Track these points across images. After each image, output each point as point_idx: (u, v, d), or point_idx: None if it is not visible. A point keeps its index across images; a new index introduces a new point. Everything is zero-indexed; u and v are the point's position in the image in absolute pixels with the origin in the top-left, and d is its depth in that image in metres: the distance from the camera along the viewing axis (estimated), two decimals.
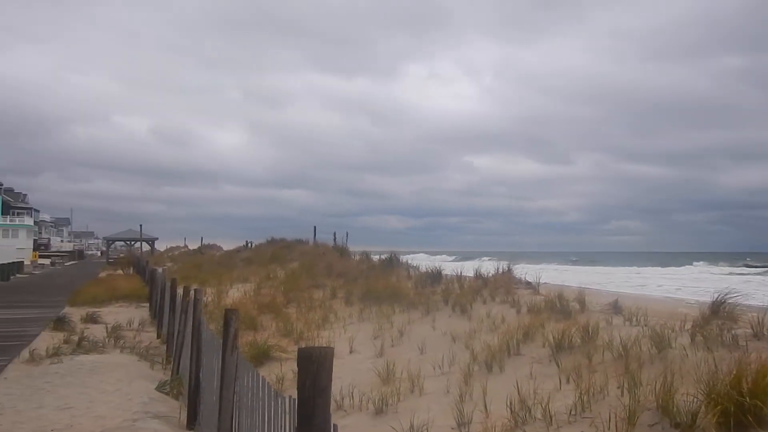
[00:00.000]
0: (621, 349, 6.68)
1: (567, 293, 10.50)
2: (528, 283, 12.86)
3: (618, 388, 5.66)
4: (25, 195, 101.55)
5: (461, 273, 14.46)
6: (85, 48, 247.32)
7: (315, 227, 31.33)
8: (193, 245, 61.26)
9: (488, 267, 14.50)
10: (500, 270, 13.75)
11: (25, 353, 11.50)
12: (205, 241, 60.67)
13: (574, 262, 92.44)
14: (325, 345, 6.18)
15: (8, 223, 76.61)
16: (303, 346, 10.17)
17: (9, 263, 41.52)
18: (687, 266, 76.33)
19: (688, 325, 7.25)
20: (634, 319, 8.43)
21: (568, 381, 6.46)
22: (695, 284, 41.62)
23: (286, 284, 18.13)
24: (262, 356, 9.83)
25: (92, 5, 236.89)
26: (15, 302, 22.92)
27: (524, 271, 13.99)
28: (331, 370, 2.63)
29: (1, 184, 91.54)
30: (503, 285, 12.36)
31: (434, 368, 8.07)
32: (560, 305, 9.60)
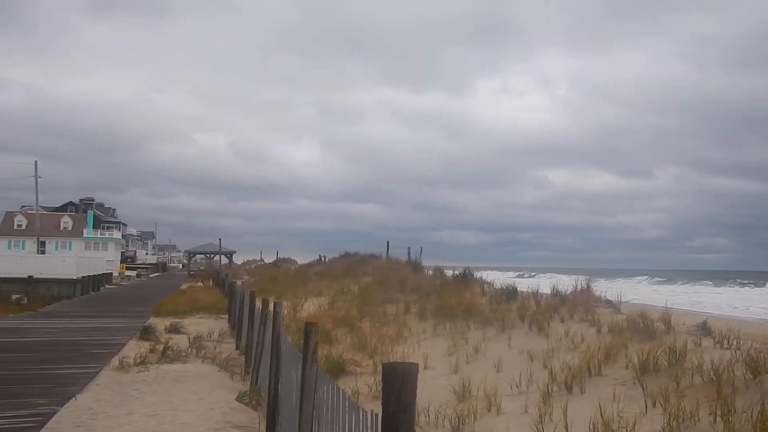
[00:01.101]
0: (712, 373, 6.34)
1: (650, 313, 10.08)
2: (608, 302, 12.43)
3: (710, 414, 5.38)
4: (114, 210, 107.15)
5: (537, 289, 14.16)
6: (167, 69, 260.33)
7: (388, 242, 31.59)
8: (269, 259, 62.98)
9: (565, 284, 14.13)
10: (578, 287, 13.36)
11: (115, 361, 12.08)
12: (281, 255, 62.23)
13: (656, 281, 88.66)
14: (400, 360, 6.20)
15: (99, 236, 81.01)
16: (377, 360, 10.22)
17: (100, 275, 43.85)
18: None
19: None
20: (725, 341, 7.99)
21: (654, 405, 6.19)
22: None
23: (360, 298, 18.27)
24: (338, 370, 9.91)
25: (172, 28, 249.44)
26: (105, 312, 24.17)
27: (603, 288, 13.55)
28: (416, 386, 2.62)
29: (93, 200, 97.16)
30: (582, 303, 11.99)
31: (511, 387, 7.91)
32: (643, 325, 9.22)
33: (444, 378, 9.01)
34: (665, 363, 7.15)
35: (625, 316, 10.34)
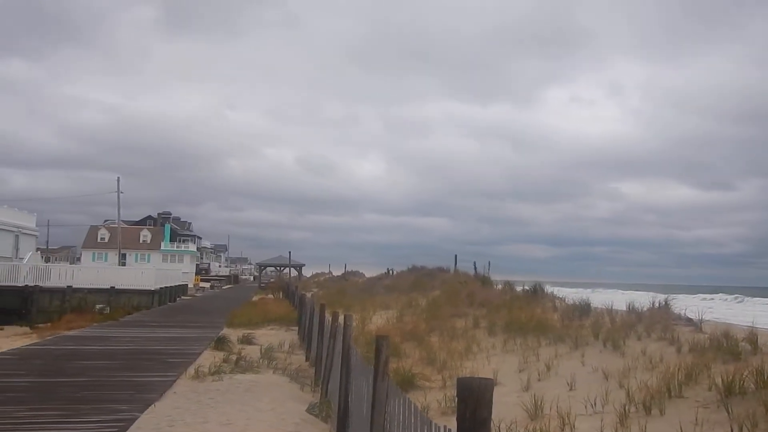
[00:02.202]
0: None
1: (734, 332, 9.57)
2: (688, 320, 11.89)
3: None
4: (189, 223, 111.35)
5: (611, 306, 13.70)
6: (238, 86, 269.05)
7: (456, 255, 31.38)
8: (337, 271, 63.72)
9: (641, 300, 13.61)
10: (655, 304, 12.85)
11: (191, 370, 12.48)
12: (348, 268, 62.86)
13: (738, 298, 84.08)
14: (469, 375, 6.11)
15: (175, 249, 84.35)
16: (446, 375, 10.14)
17: (176, 286, 45.49)
18: None
19: None
20: None
21: (741, 430, 5.86)
22: None
23: (428, 312, 18.20)
24: (406, 384, 9.89)
25: (241, 46, 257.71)
26: (181, 322, 25.03)
27: (682, 305, 12.98)
28: (491, 402, 2.58)
29: (170, 214, 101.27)
30: (659, 320, 11.51)
31: (586, 406, 7.67)
32: (727, 345, 8.76)
33: (515, 395, 8.84)
34: (752, 386, 6.77)
35: (706, 335, 9.86)
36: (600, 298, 15.75)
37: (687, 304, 13.52)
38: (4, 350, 15.89)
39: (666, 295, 13.18)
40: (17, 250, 42.70)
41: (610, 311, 13.22)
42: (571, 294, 17.93)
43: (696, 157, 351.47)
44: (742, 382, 6.86)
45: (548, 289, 18.78)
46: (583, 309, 13.99)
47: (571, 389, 8.71)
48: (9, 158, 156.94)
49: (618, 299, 15.25)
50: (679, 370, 7.83)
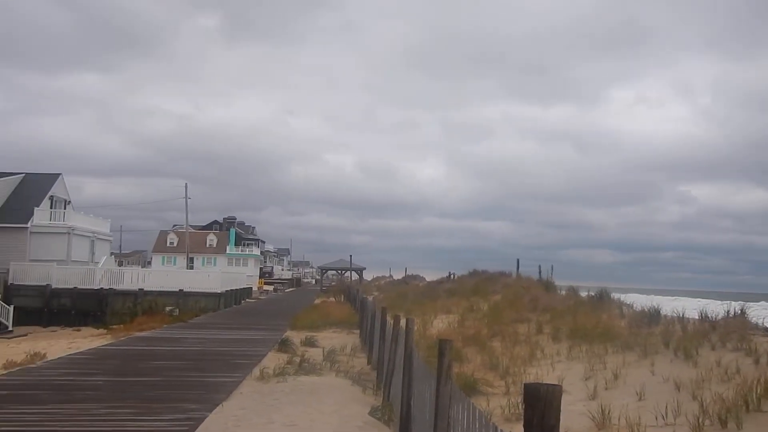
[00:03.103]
0: None
1: None
2: (766, 329, 11.30)
3: None
4: (253, 228, 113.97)
5: (682, 313, 13.17)
6: (299, 93, 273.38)
7: (518, 260, 30.98)
8: (398, 275, 63.83)
9: (714, 308, 13.02)
10: (731, 312, 12.28)
11: (256, 371, 12.77)
12: (409, 272, 62.87)
13: None
14: (534, 381, 5.97)
15: (240, 252, 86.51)
16: (509, 381, 9.99)
17: (241, 289, 46.63)
18: None
19: None
20: None
21: None
22: None
23: (490, 317, 17.99)
24: (468, 389, 9.78)
25: (302, 53, 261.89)
26: (246, 324, 25.65)
27: (759, 314, 12.35)
28: (560, 409, 2.54)
29: (235, 219, 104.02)
30: (735, 330, 10.99)
31: (656, 417, 7.40)
32: None
33: (581, 403, 8.62)
34: None
35: None
36: (670, 306, 15.16)
37: (765, 314, 12.85)
38: (82, 350, 16.71)
39: (742, 303, 12.56)
40: (93, 254, 44.74)
41: (681, 319, 12.71)
42: (638, 300, 17.33)
43: None
44: None
45: (614, 295, 18.23)
46: (652, 316, 13.50)
47: (640, 399, 8.43)
48: (84, 167, 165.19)
49: (689, 307, 14.62)
50: (757, 382, 7.45)
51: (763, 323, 11.57)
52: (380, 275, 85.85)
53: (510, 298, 21.09)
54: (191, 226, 74.34)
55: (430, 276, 50.80)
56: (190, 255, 68.98)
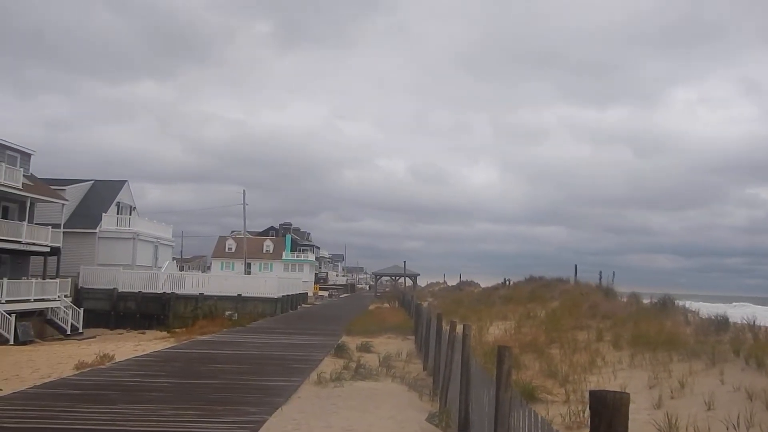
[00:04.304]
0: None
1: None
2: None
3: None
4: (308, 234, 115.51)
5: (753, 320, 12.63)
6: (350, 98, 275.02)
7: (576, 265, 30.37)
8: (452, 281, 63.48)
9: None
10: None
11: (313, 376, 12.93)
12: (463, 278, 62.45)
13: None
14: (597, 389, 5.83)
15: (295, 258, 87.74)
16: (569, 389, 9.80)
17: (297, 294, 47.34)
18: None
19: None
20: None
21: None
22: None
23: (548, 324, 17.67)
24: (527, 396, 9.62)
25: (353, 58, 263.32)
26: (302, 329, 26.00)
27: None
28: (627, 417, 2.50)
29: (290, 225, 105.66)
30: None
31: (727, 427, 7.11)
32: None
33: (645, 412, 8.37)
34: None
35: None
36: (738, 313, 14.57)
37: None
38: (148, 352, 17.29)
39: None
40: (156, 259, 46.27)
41: (752, 326, 12.19)
42: (704, 307, 16.70)
43: None
44: None
45: (678, 301, 17.63)
46: (720, 323, 12.99)
47: (709, 409, 8.11)
48: (146, 173, 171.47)
49: (760, 314, 14.02)
50: None
51: None
52: (434, 281, 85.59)
53: (568, 305, 20.66)
54: (248, 231, 75.87)
55: (484, 282, 50.34)
56: (248, 260, 70.41)
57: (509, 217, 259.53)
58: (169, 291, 37.91)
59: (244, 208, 62.64)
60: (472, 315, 23.49)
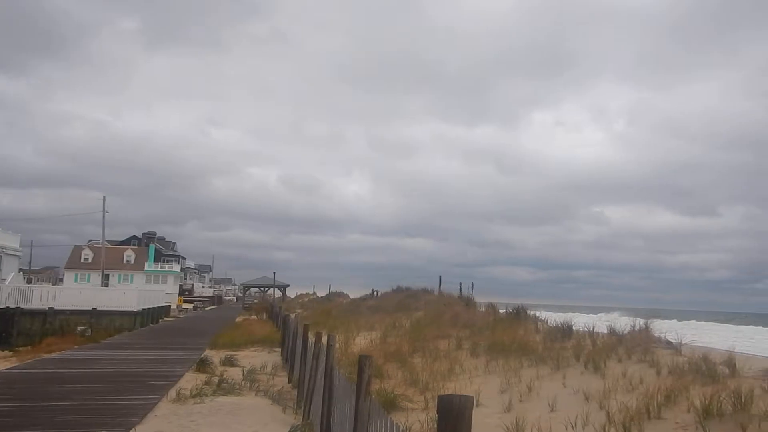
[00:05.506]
0: None
1: (713, 355, 9.73)
2: (668, 343, 12.04)
3: None
4: (174, 243, 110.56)
5: (593, 328, 13.84)
6: (222, 103, 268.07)
7: (440, 277, 31.57)
8: (322, 292, 63.50)
9: (623, 324, 13.77)
10: (637, 327, 13.01)
11: (172, 392, 12.38)
12: (333, 289, 62.64)
13: (721, 323, 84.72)
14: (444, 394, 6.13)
15: (159, 269, 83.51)
16: (429, 396, 10.15)
17: (158, 307, 45.02)
18: None
19: None
20: None
21: None
22: None
23: (412, 333, 18.22)
24: (389, 405, 9.89)
25: (226, 62, 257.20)
26: (163, 344, 24.79)
27: (663, 329, 13.14)
28: (471, 420, 2.65)
29: (155, 234, 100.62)
30: (640, 343, 11.66)
31: (566, 427, 7.74)
32: (706, 368, 8.90)
33: (497, 416, 8.89)
34: (730, 408, 6.89)
35: (686, 358, 10.01)
36: (582, 321, 15.89)
37: (668, 328, 13.67)
38: None
39: (647, 319, 13.33)
40: (0, 271, 42.16)
41: (592, 334, 13.36)
42: (553, 316, 18.05)
43: (682, 182, 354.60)
44: (719, 405, 6.98)
45: (531, 311, 18.91)
46: (565, 331, 14.12)
47: (552, 410, 8.78)
48: None
49: (600, 322, 15.38)
50: (658, 392, 7.94)
51: (665, 337, 12.33)
52: (304, 292, 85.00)
53: (432, 315, 21.45)
54: (108, 241, 71.29)
55: (354, 293, 50.84)
56: (106, 272, 66.09)
57: (381, 229, 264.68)
58: (13, 305, 34.47)
59: (103, 215, 58.86)
60: (340, 326, 23.68)
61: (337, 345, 16.02)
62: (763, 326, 79.33)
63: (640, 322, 13.16)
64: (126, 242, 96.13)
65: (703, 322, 77.59)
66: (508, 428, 7.86)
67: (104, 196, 59.10)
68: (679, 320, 53.27)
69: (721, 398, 7.07)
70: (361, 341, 18.60)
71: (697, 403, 7.18)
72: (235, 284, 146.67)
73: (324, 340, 8.53)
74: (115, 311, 35.42)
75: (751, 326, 75.74)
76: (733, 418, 6.64)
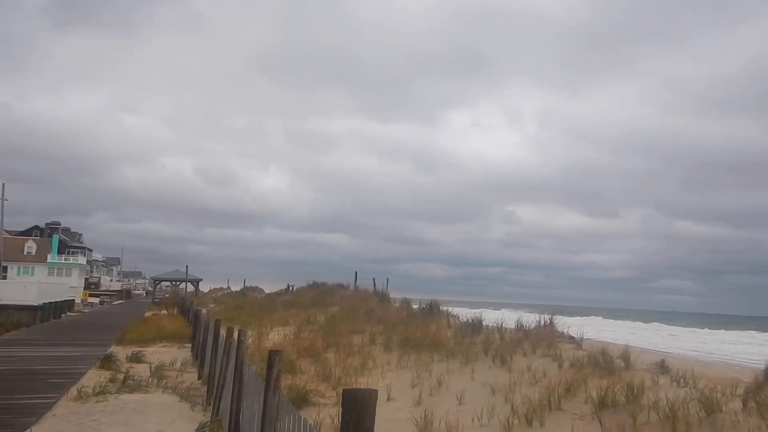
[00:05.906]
0: (668, 410, 6.51)
1: (611, 350, 10.30)
2: (570, 338, 12.66)
3: None
4: (80, 235, 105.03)
5: (502, 324, 14.32)
6: (136, 89, 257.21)
7: (356, 272, 31.58)
8: (236, 287, 62.20)
9: (530, 319, 14.32)
10: (542, 323, 13.57)
11: (73, 391, 11.81)
12: (248, 284, 61.40)
13: (619, 319, 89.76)
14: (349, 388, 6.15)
15: (63, 262, 79.16)
16: (340, 391, 10.20)
17: (61, 301, 42.70)
18: (739, 330, 72.47)
19: (740, 390, 7.03)
20: (682, 380, 8.21)
21: None
22: (748, 349, 39.89)
23: (326, 329, 18.21)
24: (300, 400, 9.86)
25: (141, 47, 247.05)
26: (65, 340, 23.57)
27: (567, 325, 13.77)
28: (375, 413, 2.69)
29: (59, 225, 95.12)
30: (545, 338, 12.18)
31: (473, 420, 7.98)
32: (604, 361, 9.42)
33: (407, 410, 9.04)
34: (623, 399, 7.32)
35: (586, 352, 10.54)
36: (492, 317, 16.41)
37: (571, 324, 14.34)
38: None
39: (551, 315, 13.91)
40: None
41: (500, 329, 13.81)
42: (465, 312, 18.53)
43: (587, 185, 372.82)
44: (614, 396, 7.40)
45: (444, 307, 19.32)
46: (475, 326, 14.53)
47: (460, 404, 9.02)
48: None
49: (508, 318, 15.94)
50: (559, 384, 8.32)
51: (568, 332, 12.93)
52: (218, 287, 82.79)
53: (347, 310, 21.51)
54: (7, 231, 66.79)
55: (269, 288, 50.05)
56: (4, 263, 61.94)
57: (298, 224, 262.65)
58: None
59: (2, 203, 55.00)
60: (254, 321, 23.32)
61: (250, 341, 15.80)
62: (660, 322, 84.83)
63: (545, 317, 13.72)
64: (27, 232, 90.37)
65: (604, 319, 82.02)
66: (417, 422, 8.01)
67: (3, 183, 55.23)
68: (582, 316, 56.04)
69: (615, 390, 7.49)
70: (275, 337, 18.41)
71: (594, 394, 7.59)
72: (145, 278, 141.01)
73: (235, 335, 8.38)
74: (13, 305, 33.34)
75: (649, 323, 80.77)
76: (625, 408, 7.06)
